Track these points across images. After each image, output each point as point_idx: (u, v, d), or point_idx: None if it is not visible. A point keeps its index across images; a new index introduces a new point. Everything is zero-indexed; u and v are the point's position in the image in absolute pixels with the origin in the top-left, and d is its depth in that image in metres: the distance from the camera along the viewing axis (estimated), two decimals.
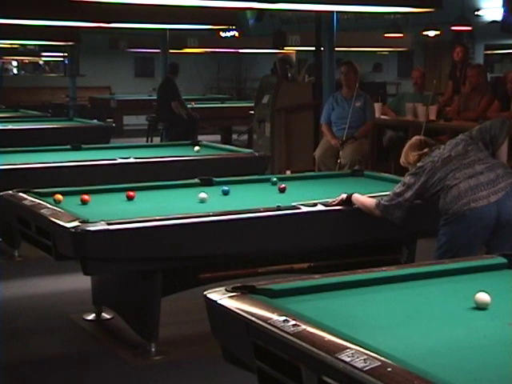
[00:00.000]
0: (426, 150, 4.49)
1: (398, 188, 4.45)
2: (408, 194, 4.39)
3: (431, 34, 13.18)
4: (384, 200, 4.45)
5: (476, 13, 14.04)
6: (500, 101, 8.81)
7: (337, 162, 8.00)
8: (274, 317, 2.58)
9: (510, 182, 4.28)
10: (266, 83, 10.78)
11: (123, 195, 5.08)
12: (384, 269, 3.44)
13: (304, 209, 4.55)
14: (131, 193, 5.02)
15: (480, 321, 2.77)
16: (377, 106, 9.16)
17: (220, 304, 2.82)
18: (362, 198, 4.61)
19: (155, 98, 12.78)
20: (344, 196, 4.62)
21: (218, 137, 14.33)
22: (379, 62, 17.21)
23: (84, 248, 4.07)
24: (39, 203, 4.63)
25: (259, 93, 10.70)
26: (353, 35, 13.09)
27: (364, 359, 2.22)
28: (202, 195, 4.94)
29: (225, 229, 4.37)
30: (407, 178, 4.44)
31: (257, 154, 7.25)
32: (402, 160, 4.66)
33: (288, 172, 9.39)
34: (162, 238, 4.23)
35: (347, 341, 2.35)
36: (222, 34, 15.92)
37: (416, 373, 2.14)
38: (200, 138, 10.70)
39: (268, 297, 2.87)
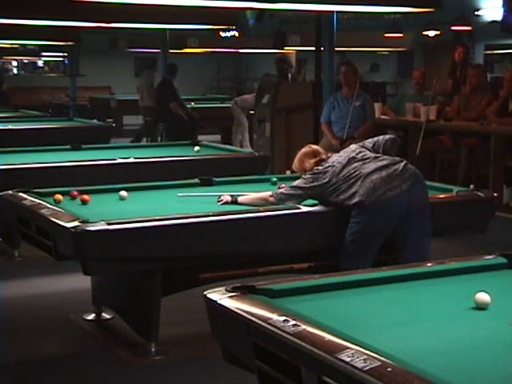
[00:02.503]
0: (322, 156, 4.75)
1: (297, 182, 4.70)
2: (306, 190, 4.64)
3: (431, 33, 13.18)
4: (280, 190, 4.74)
5: (476, 13, 14.03)
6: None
7: None
8: (274, 317, 2.58)
9: (412, 171, 4.61)
10: (266, 83, 10.78)
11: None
12: (384, 269, 3.44)
13: (304, 209, 4.56)
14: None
15: (480, 321, 2.77)
16: (377, 106, 9.17)
17: (220, 304, 2.82)
18: (250, 196, 4.83)
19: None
20: (229, 199, 4.80)
21: (218, 137, 14.33)
22: (377, 62, 17.19)
23: (84, 248, 4.06)
24: (39, 203, 4.63)
25: (259, 93, 10.70)
26: (353, 35, 13.08)
27: (364, 359, 2.22)
28: (123, 193, 5.01)
29: (225, 229, 4.37)
30: (308, 176, 4.67)
31: (257, 154, 7.26)
32: (296, 166, 4.87)
33: (288, 172, 9.37)
34: (162, 238, 4.23)
35: (347, 341, 2.35)
36: (222, 34, 15.92)
37: (416, 373, 2.14)
38: (200, 137, 10.70)
39: (268, 297, 2.87)
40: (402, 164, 4.60)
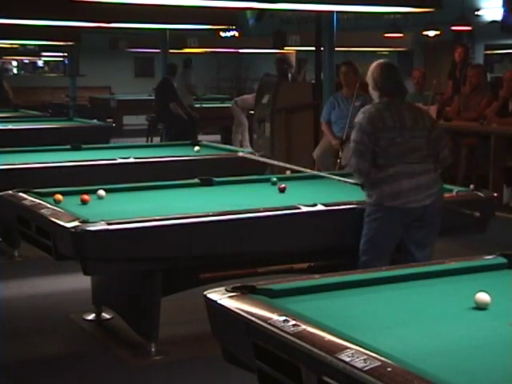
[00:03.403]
0: (385, 99, 4.52)
1: (354, 134, 4.53)
2: (365, 139, 4.45)
3: (431, 33, 13.18)
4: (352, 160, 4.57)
5: (476, 13, 14.04)
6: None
7: (336, 163, 8.00)
8: (274, 317, 2.58)
9: (440, 187, 4.60)
10: (266, 83, 10.77)
11: (123, 195, 5.09)
12: (384, 269, 3.44)
13: (304, 209, 4.55)
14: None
15: (480, 321, 2.77)
16: None
17: (220, 304, 2.82)
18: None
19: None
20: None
21: (218, 137, 14.33)
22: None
23: (84, 248, 4.06)
24: (39, 203, 4.63)
25: (259, 93, 10.69)
26: (353, 35, 13.08)
27: (364, 359, 2.22)
28: (101, 192, 5.01)
29: (225, 229, 4.37)
30: (364, 123, 4.47)
31: (257, 154, 7.25)
32: (368, 80, 4.61)
33: (288, 172, 9.38)
34: (162, 238, 4.23)
35: (347, 341, 2.35)
36: (222, 34, 15.92)
37: (416, 373, 2.14)
38: (200, 137, 10.70)
39: (268, 297, 2.87)
40: (434, 176, 4.55)
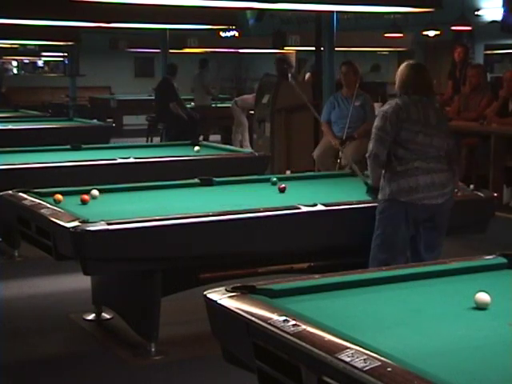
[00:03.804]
0: (413, 95, 4.54)
1: (377, 122, 4.54)
2: (388, 127, 4.46)
3: (431, 33, 13.18)
4: (370, 145, 4.56)
5: (476, 13, 14.03)
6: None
7: (336, 163, 8.00)
8: (274, 317, 2.58)
9: (452, 187, 4.62)
10: (265, 83, 10.78)
11: (123, 195, 5.09)
12: (384, 269, 3.44)
13: (304, 209, 4.55)
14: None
15: (480, 321, 2.77)
16: (377, 105, 9.16)
17: (220, 304, 2.82)
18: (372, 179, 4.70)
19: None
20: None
21: (218, 137, 14.33)
22: (377, 62, 17.19)
23: (84, 248, 4.06)
24: (39, 203, 4.63)
25: (259, 93, 10.69)
26: (353, 35, 13.08)
27: (364, 359, 2.22)
28: (94, 192, 4.99)
29: (225, 229, 4.37)
30: (389, 112, 4.48)
31: (257, 154, 7.26)
32: (397, 79, 4.61)
33: (288, 172, 9.39)
34: (162, 238, 4.23)
35: (347, 341, 2.35)
36: (222, 34, 15.91)
37: (416, 373, 2.14)
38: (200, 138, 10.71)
39: (268, 297, 2.87)
40: (448, 175, 4.56)
